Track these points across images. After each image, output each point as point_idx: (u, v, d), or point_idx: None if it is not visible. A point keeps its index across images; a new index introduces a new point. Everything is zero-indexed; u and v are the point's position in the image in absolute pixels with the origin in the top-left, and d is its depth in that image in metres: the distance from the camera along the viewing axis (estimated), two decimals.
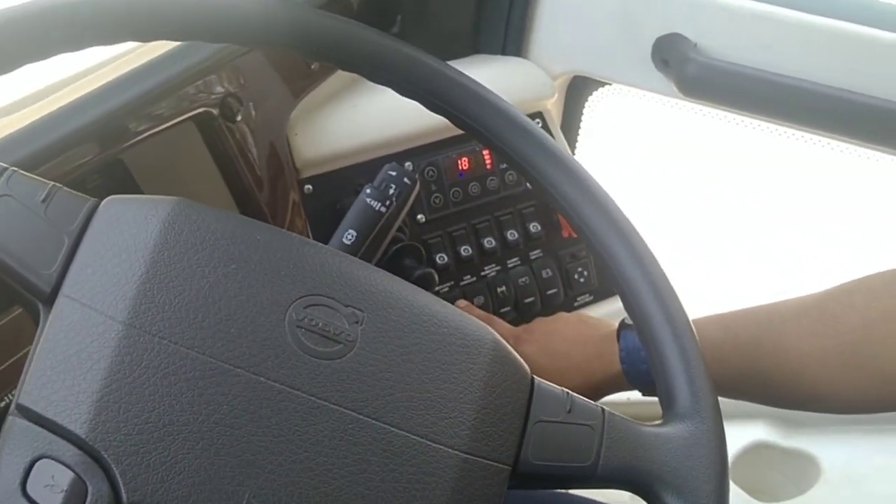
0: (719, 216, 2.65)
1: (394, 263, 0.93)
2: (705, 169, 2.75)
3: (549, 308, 1.07)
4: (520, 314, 1.06)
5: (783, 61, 0.95)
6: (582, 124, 1.19)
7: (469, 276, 1.04)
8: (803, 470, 1.19)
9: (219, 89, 0.82)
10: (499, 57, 1.12)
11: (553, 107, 1.13)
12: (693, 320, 0.80)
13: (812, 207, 2.70)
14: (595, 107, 1.18)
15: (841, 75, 0.94)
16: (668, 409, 0.57)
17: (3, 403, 0.70)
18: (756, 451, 1.20)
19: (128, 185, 0.83)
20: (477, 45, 1.12)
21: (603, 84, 1.15)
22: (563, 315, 0.95)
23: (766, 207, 2.70)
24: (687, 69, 0.98)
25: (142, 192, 0.84)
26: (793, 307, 0.76)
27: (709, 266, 2.41)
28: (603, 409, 0.55)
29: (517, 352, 0.87)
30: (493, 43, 1.11)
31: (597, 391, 0.86)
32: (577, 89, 1.16)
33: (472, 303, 1.03)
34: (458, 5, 1.08)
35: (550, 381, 0.54)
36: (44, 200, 0.50)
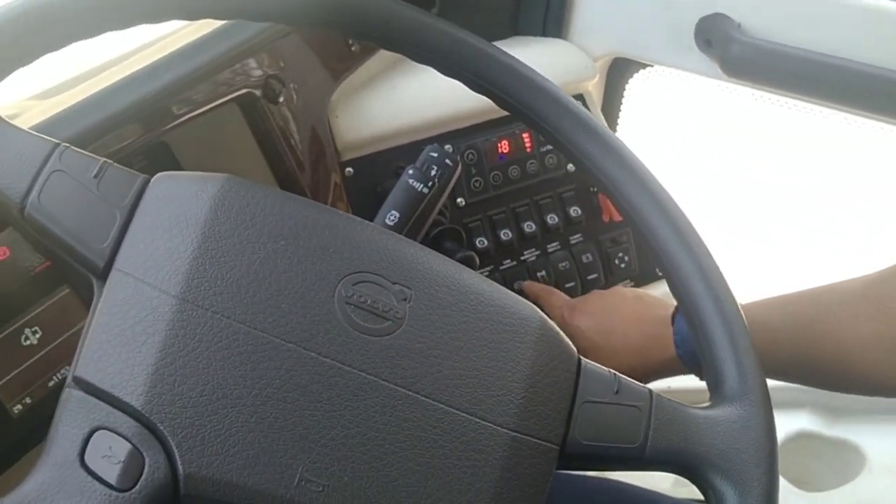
0: (763, 198, 2.61)
1: (434, 246, 0.92)
2: (748, 151, 2.72)
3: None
4: None
5: (828, 41, 0.94)
6: (623, 106, 1.18)
7: (509, 260, 1.03)
8: (848, 459, 1.17)
9: (260, 71, 0.82)
10: (539, 38, 1.11)
11: (594, 88, 1.12)
12: (749, 303, 0.80)
13: (858, 189, 2.65)
14: (636, 88, 1.17)
15: (887, 55, 0.92)
16: (716, 391, 0.57)
17: (52, 382, 0.71)
18: (800, 440, 1.19)
19: (171, 166, 0.83)
20: (517, 26, 1.11)
21: (644, 66, 1.13)
22: (620, 290, 0.95)
23: (811, 189, 2.66)
24: (731, 49, 0.96)
25: None
26: (848, 290, 0.75)
27: (754, 248, 2.38)
28: (650, 391, 0.54)
29: (573, 324, 0.91)
30: (533, 24, 1.10)
31: (651, 373, 0.85)
32: (618, 71, 1.15)
33: (512, 288, 1.02)
34: None
35: (605, 360, 0.54)
36: (96, 176, 0.50)
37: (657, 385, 0.87)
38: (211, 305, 0.47)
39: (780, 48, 0.95)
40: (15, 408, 0.68)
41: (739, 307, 0.59)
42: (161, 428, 0.45)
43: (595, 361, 0.91)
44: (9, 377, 0.68)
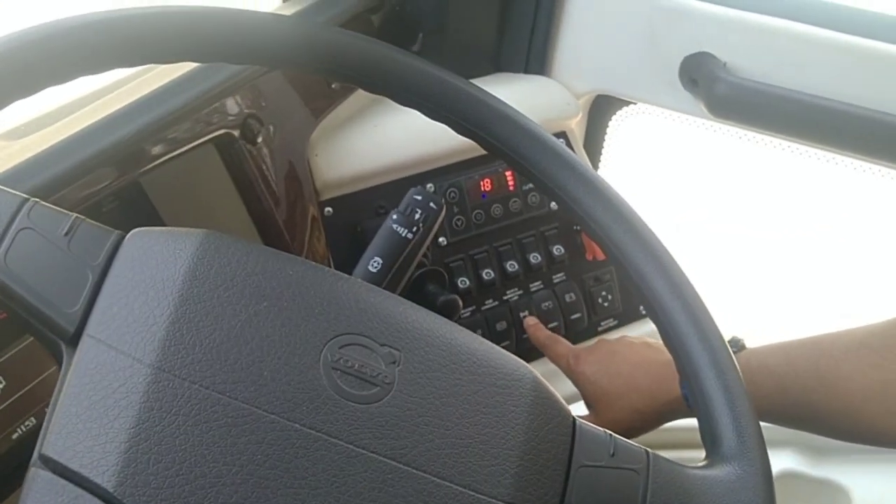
0: (750, 238, 2.61)
1: (417, 288, 0.90)
2: (731, 190, 2.72)
3: (572, 333, 1.05)
4: None
5: (815, 81, 0.93)
6: (605, 144, 1.17)
7: (491, 300, 1.02)
8: (832, 499, 1.16)
9: (239, 110, 0.80)
10: (521, 75, 1.10)
11: (577, 126, 1.11)
12: (754, 349, 0.80)
13: (847, 232, 2.66)
14: (618, 126, 1.16)
15: (873, 95, 0.91)
16: (713, 450, 0.55)
17: (16, 434, 0.69)
18: (784, 480, 1.17)
19: (145, 208, 0.81)
20: (499, 63, 1.10)
21: (627, 103, 1.12)
22: (627, 338, 0.93)
23: (796, 231, 2.66)
24: (717, 88, 0.95)
25: (159, 215, 0.82)
26: (854, 338, 0.74)
27: (742, 289, 2.37)
28: (647, 452, 0.52)
29: (578, 370, 0.90)
30: (516, 61, 1.09)
31: (658, 416, 0.84)
32: (601, 108, 1.14)
33: (495, 328, 1.00)
34: (481, 23, 1.06)
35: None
36: (66, 233, 0.48)
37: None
38: (188, 375, 0.45)
39: (766, 88, 0.94)
40: None
41: (735, 361, 0.57)
42: None
43: (604, 408, 0.89)
44: None
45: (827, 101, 0.92)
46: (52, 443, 0.44)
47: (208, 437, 0.44)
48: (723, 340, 0.58)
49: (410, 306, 0.52)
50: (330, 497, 0.45)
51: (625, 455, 0.51)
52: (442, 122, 0.63)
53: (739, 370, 0.57)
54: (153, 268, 0.47)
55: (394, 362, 0.48)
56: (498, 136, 0.62)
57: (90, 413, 0.44)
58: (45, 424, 0.45)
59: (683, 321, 0.58)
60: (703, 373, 0.56)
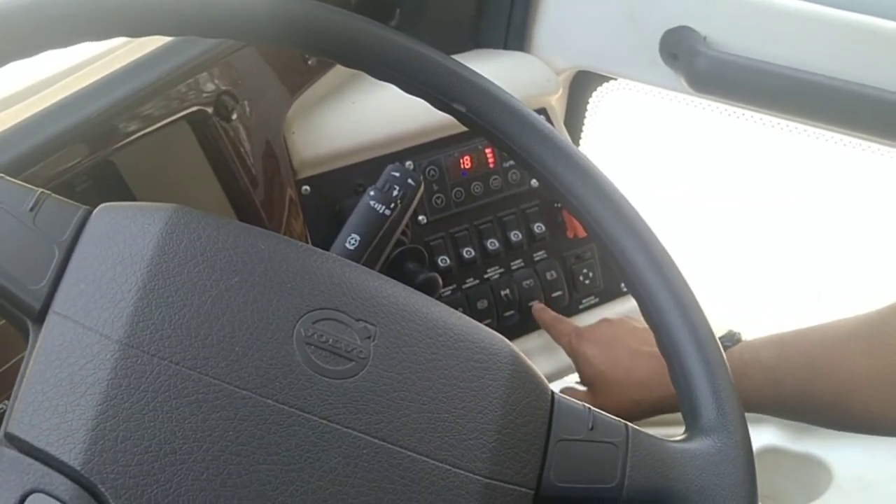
0: (732, 215, 2.61)
1: (396, 267, 0.90)
2: (712, 166, 2.71)
3: (553, 311, 1.04)
4: (523, 318, 1.03)
5: (795, 55, 0.93)
6: (586, 120, 1.16)
7: (472, 279, 1.01)
8: (814, 476, 1.16)
9: (213, 87, 0.79)
10: (501, 51, 1.09)
11: (557, 102, 1.10)
12: (748, 342, 0.80)
13: (826, 205, 2.66)
14: (599, 102, 1.15)
15: (855, 69, 0.91)
16: (693, 423, 0.55)
17: None
18: (765, 456, 1.17)
19: (118, 187, 0.80)
20: (478, 39, 1.09)
21: (608, 79, 1.12)
22: (629, 322, 0.94)
23: (777, 206, 2.66)
24: (697, 63, 0.95)
25: (133, 195, 0.81)
26: (844, 328, 0.75)
27: (724, 268, 2.37)
28: (626, 425, 0.52)
29: (579, 350, 0.91)
30: (495, 37, 1.08)
31: (653, 408, 0.85)
32: (581, 84, 1.13)
33: (476, 307, 1.00)
34: None
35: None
36: (32, 209, 0.47)
37: None
38: (157, 351, 0.44)
39: (747, 62, 0.94)
40: None
41: (715, 336, 0.57)
42: (102, 489, 0.41)
43: (601, 391, 0.90)
44: None
45: (806, 74, 0.92)
46: (17, 420, 0.43)
47: (178, 413, 0.43)
48: (703, 314, 0.58)
49: (386, 281, 0.51)
50: (304, 473, 0.44)
51: (603, 429, 0.51)
52: (419, 96, 0.62)
53: (720, 345, 0.57)
54: (121, 243, 0.46)
55: (369, 337, 0.48)
56: (476, 110, 0.61)
57: (56, 390, 0.43)
58: (10, 402, 0.44)
59: (664, 296, 0.58)
60: (682, 347, 0.56)
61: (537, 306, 1.02)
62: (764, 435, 1.19)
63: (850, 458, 1.15)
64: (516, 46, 1.08)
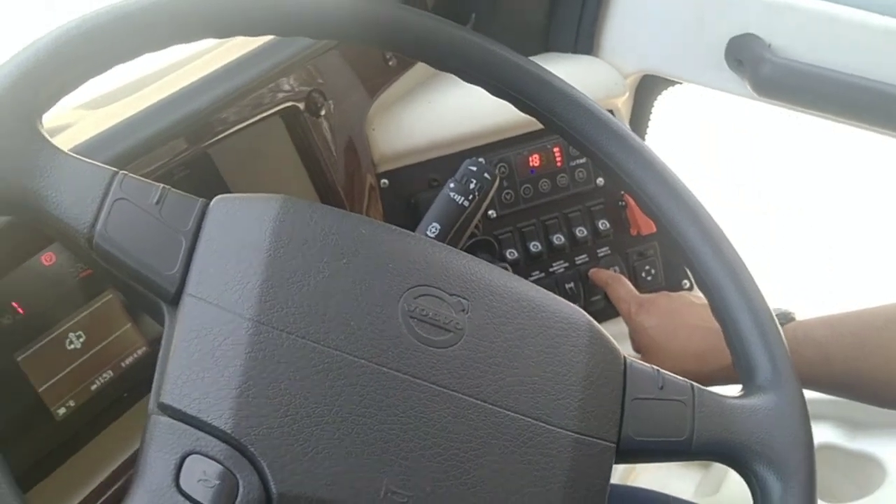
0: (789, 217, 2.60)
1: None
2: (773, 168, 2.71)
3: (615, 307, 1.08)
4: (586, 311, 1.06)
5: (858, 63, 0.95)
6: (650, 122, 1.19)
7: (538, 272, 1.05)
8: (868, 472, 1.17)
9: (303, 86, 0.84)
10: (570, 55, 1.13)
11: (623, 105, 1.13)
12: (801, 321, 0.83)
13: (882, 206, 2.63)
14: (664, 105, 1.18)
15: None
16: (749, 380, 0.60)
17: (94, 386, 0.73)
18: (821, 452, 1.18)
19: (212, 177, 0.85)
20: (548, 42, 1.13)
21: (673, 83, 1.14)
22: (686, 296, 0.96)
23: (837, 208, 2.64)
24: (762, 69, 0.97)
25: (226, 185, 0.86)
26: (894, 310, 0.77)
27: (784, 262, 2.37)
28: (692, 385, 0.57)
29: (637, 320, 0.94)
30: (565, 40, 1.12)
31: (708, 380, 0.85)
32: (647, 88, 1.16)
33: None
34: (532, 3, 1.09)
35: (664, 361, 0.55)
36: (157, 202, 0.51)
37: None
38: (285, 326, 0.49)
39: (811, 69, 0.96)
40: (59, 411, 0.69)
41: (766, 303, 0.61)
42: (251, 449, 0.46)
43: (655, 361, 0.93)
44: (53, 381, 0.69)
45: (867, 81, 0.94)
46: (168, 392, 0.47)
47: (309, 381, 0.48)
48: (756, 284, 0.62)
49: (473, 260, 0.56)
50: (420, 431, 0.49)
51: (672, 388, 0.56)
52: (505, 99, 0.66)
53: (772, 311, 0.61)
54: (241, 231, 0.51)
55: (463, 310, 0.53)
56: (561, 116, 0.65)
57: (201, 364, 0.48)
58: (157, 376, 0.49)
59: (718, 266, 0.62)
60: (737, 313, 0.61)
61: (593, 270, 1.05)
62: (820, 432, 1.21)
63: None
64: (585, 50, 1.12)
